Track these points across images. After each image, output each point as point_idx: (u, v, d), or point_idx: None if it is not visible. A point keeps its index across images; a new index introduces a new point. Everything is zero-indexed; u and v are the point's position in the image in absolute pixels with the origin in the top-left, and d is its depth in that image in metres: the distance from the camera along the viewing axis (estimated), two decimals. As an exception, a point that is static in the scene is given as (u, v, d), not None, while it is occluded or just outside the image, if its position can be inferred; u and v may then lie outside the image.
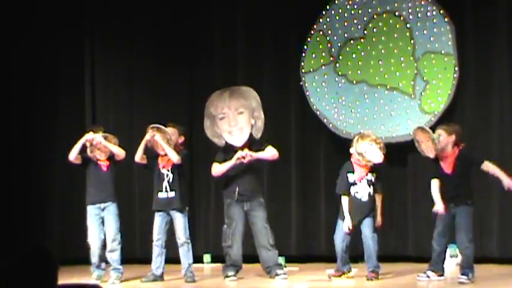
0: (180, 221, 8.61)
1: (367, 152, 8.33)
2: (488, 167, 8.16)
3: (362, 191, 8.37)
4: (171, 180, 8.62)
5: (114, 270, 8.67)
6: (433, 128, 8.57)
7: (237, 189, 8.60)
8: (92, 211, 8.72)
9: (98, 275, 8.69)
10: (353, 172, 8.39)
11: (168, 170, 8.65)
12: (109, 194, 8.72)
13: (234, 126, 8.76)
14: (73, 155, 8.65)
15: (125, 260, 10.14)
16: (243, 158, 8.55)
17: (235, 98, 8.85)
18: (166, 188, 8.61)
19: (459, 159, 8.11)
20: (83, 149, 8.69)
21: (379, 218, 8.38)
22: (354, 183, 8.38)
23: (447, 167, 8.12)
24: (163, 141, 8.56)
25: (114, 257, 8.66)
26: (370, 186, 8.36)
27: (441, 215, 8.10)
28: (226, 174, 8.70)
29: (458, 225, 8.01)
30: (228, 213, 8.70)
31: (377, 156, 8.34)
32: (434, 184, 8.17)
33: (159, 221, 8.65)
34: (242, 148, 8.66)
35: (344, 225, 8.34)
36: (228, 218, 8.69)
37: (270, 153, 8.70)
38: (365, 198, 8.37)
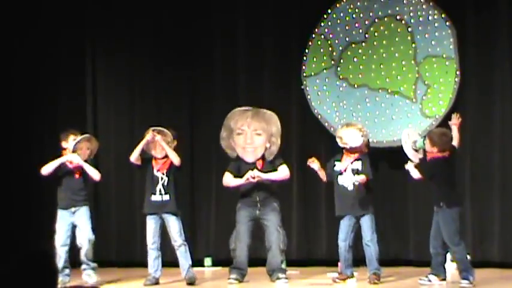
0: (175, 224, 8.61)
1: (345, 136, 8.40)
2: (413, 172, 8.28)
3: (347, 180, 8.40)
4: (165, 183, 8.62)
5: (91, 270, 8.69)
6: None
7: (250, 197, 8.61)
8: (62, 215, 8.72)
9: (62, 280, 8.51)
10: (340, 161, 8.42)
11: (163, 173, 8.64)
12: (80, 198, 8.73)
13: (249, 145, 8.76)
14: (46, 171, 8.70)
15: (125, 263, 10.22)
16: (253, 178, 8.55)
17: (257, 119, 8.83)
18: (160, 190, 8.61)
19: (429, 164, 8.15)
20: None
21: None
22: (340, 173, 8.39)
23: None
24: (165, 143, 8.57)
25: (89, 256, 8.67)
26: (354, 175, 8.36)
27: (434, 218, 8.13)
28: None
29: (442, 230, 8.02)
30: (237, 216, 8.71)
31: (355, 140, 8.35)
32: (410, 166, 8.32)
33: (153, 224, 8.65)
34: (256, 162, 8.66)
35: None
36: (236, 221, 8.69)
37: (281, 174, 8.71)
38: (350, 187, 8.38)
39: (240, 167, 8.73)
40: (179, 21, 10.56)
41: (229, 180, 8.74)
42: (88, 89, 10.69)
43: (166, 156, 8.68)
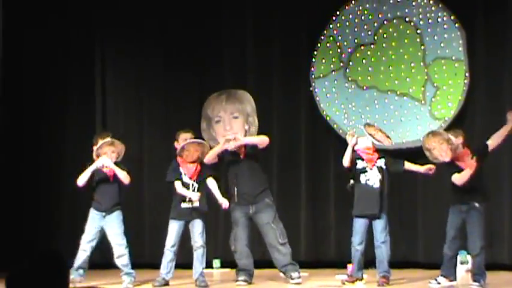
0: (199, 226, 8.62)
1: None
2: (493, 139, 8.06)
3: (373, 177, 8.37)
4: (196, 190, 8.62)
5: (126, 275, 8.63)
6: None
7: (236, 190, 8.59)
8: (92, 215, 8.68)
9: (79, 278, 8.52)
10: (362, 159, 8.39)
11: (194, 180, 8.64)
12: (114, 202, 8.67)
13: (229, 131, 8.80)
14: (82, 181, 8.63)
15: (134, 264, 10.20)
16: (231, 140, 8.55)
17: (231, 101, 8.92)
18: (189, 199, 8.60)
19: (477, 154, 8.01)
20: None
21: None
22: (365, 170, 8.36)
23: (466, 165, 8.02)
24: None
25: (123, 261, 8.63)
26: (380, 173, 8.34)
27: (452, 219, 8.04)
28: (220, 162, 8.73)
29: (470, 231, 7.94)
30: (231, 218, 8.74)
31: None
32: (457, 176, 7.95)
33: (176, 227, 8.63)
34: (237, 150, 8.67)
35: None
36: (232, 222, 8.72)
37: (258, 138, 8.72)
38: (376, 184, 8.36)
39: (224, 155, 8.71)
40: (188, 21, 10.57)
41: (210, 153, 8.66)
42: (97, 89, 10.70)
43: (194, 162, 8.66)
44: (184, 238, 8.73)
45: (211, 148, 8.75)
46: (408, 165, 8.51)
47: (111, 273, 9.07)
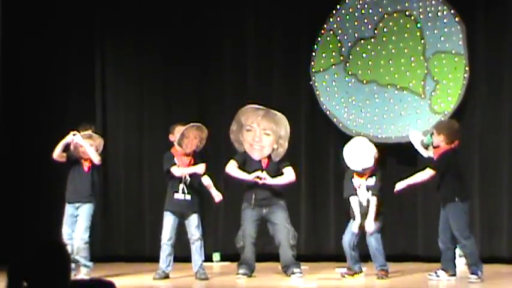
0: (195, 219, 8.66)
1: (355, 157, 8.38)
2: (421, 173, 8.22)
3: (362, 196, 8.43)
4: (188, 182, 8.65)
5: (85, 267, 8.66)
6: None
7: (254, 196, 8.63)
8: (68, 210, 8.74)
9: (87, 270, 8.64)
10: (353, 177, 8.49)
11: (193, 172, 8.66)
12: (86, 194, 8.73)
13: (257, 143, 8.80)
14: (56, 154, 8.70)
15: (134, 258, 10.24)
16: (260, 179, 8.58)
17: (267, 120, 8.87)
18: (183, 189, 8.62)
19: (440, 158, 8.12)
20: (68, 147, 8.74)
21: (368, 221, 8.34)
22: (355, 189, 8.46)
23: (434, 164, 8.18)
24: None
25: (82, 254, 8.63)
26: (368, 191, 8.40)
27: (441, 213, 8.12)
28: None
29: (451, 225, 8.02)
30: (242, 216, 8.75)
31: (367, 161, 8.33)
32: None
33: (171, 220, 8.66)
34: (261, 160, 8.70)
35: (354, 226, 8.38)
36: (242, 220, 8.74)
37: (287, 178, 8.75)
38: (364, 203, 8.42)
39: (245, 160, 8.77)
40: (188, 17, 10.58)
41: (233, 170, 8.77)
42: (97, 85, 10.71)
43: (189, 155, 8.69)
44: (182, 231, 8.75)
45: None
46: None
47: (114, 266, 9.08)
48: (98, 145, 8.80)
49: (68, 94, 10.76)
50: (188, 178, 8.67)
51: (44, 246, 3.18)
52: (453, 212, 8.01)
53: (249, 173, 8.72)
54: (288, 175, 8.75)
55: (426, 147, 8.43)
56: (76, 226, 8.68)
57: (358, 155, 8.42)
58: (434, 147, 8.27)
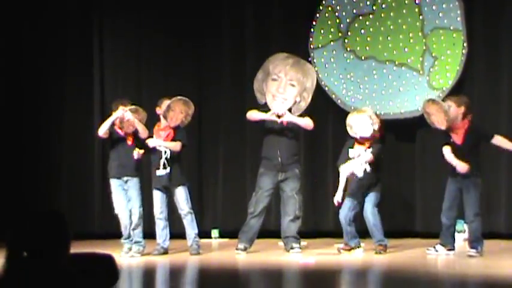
0: (182, 193, 8.65)
1: (355, 125, 8.38)
2: (498, 140, 8.17)
3: (358, 168, 8.42)
4: (168, 156, 8.64)
5: (135, 244, 8.70)
6: (443, 101, 8.58)
7: (279, 154, 8.58)
8: (115, 184, 8.73)
9: (128, 247, 8.68)
10: (353, 147, 8.48)
11: (166, 148, 8.66)
12: (132, 168, 8.72)
13: (281, 94, 8.76)
14: (103, 131, 8.64)
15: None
16: (278, 116, 8.55)
17: (296, 69, 8.84)
18: (164, 164, 8.62)
19: (470, 131, 8.12)
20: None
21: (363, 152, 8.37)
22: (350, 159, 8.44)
23: (457, 138, 8.14)
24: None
25: (138, 230, 8.69)
26: (366, 163, 8.38)
27: (449, 189, 8.12)
28: (262, 139, 8.73)
29: (465, 199, 8.05)
30: (258, 182, 8.73)
31: (365, 130, 8.35)
32: (447, 150, 8.13)
33: (159, 195, 8.70)
34: (278, 116, 8.67)
35: (335, 197, 8.39)
36: (257, 186, 8.73)
37: (305, 121, 8.72)
38: (360, 174, 8.40)
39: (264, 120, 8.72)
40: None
41: (254, 114, 8.73)
42: (95, 62, 10.68)
43: (167, 128, 8.67)
44: (175, 208, 8.77)
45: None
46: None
47: (114, 243, 9.10)
48: (142, 118, 8.77)
49: (65, 72, 10.72)
50: (168, 152, 8.64)
51: (43, 216, 3.18)
52: (472, 186, 8.02)
53: (269, 131, 8.66)
54: (306, 120, 8.71)
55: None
56: (130, 201, 8.68)
57: (358, 122, 8.39)
58: (449, 125, 8.16)
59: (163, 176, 8.63)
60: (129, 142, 8.74)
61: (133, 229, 8.69)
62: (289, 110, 8.72)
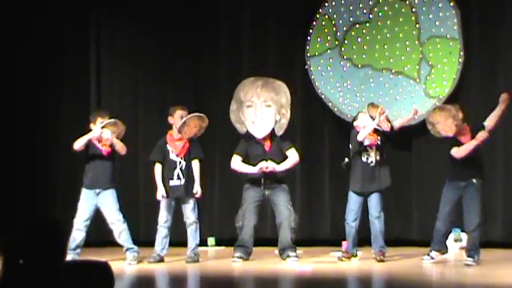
0: (191, 202, 8.68)
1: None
2: (490, 120, 8.11)
3: (372, 156, 8.41)
4: (183, 167, 8.63)
5: (128, 251, 8.67)
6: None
7: (262, 180, 8.62)
8: (85, 194, 8.67)
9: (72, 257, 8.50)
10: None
11: (182, 158, 8.66)
12: (106, 180, 8.66)
13: (259, 118, 8.77)
14: (78, 145, 8.60)
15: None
16: (266, 168, 8.57)
17: (267, 89, 8.86)
18: (178, 175, 8.62)
19: (475, 131, 8.07)
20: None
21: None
22: (365, 149, 8.40)
23: (469, 140, 8.07)
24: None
25: (122, 237, 8.66)
26: (377, 151, 8.39)
27: (447, 195, 8.08)
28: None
29: (468, 207, 7.99)
30: (244, 195, 8.76)
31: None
32: (459, 148, 8.01)
33: (167, 204, 8.67)
34: (263, 140, 8.67)
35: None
36: (243, 200, 8.75)
37: (292, 161, 8.76)
38: (373, 163, 8.41)
39: (247, 149, 8.74)
40: (185, 1, 10.54)
41: (238, 165, 8.76)
42: (92, 70, 10.68)
43: (182, 139, 8.68)
44: (178, 215, 8.76)
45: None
46: (397, 122, 8.65)
47: (108, 250, 9.09)
48: (120, 131, 8.77)
49: (62, 79, 10.73)
50: (183, 162, 8.65)
51: (39, 223, 3.17)
52: (474, 192, 7.96)
53: (254, 164, 8.66)
54: (292, 158, 8.74)
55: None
56: (105, 213, 8.62)
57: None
58: (458, 130, 8.13)
59: (177, 187, 8.62)
60: (105, 153, 8.69)
61: (119, 237, 8.64)
62: (271, 137, 8.73)
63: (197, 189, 8.68)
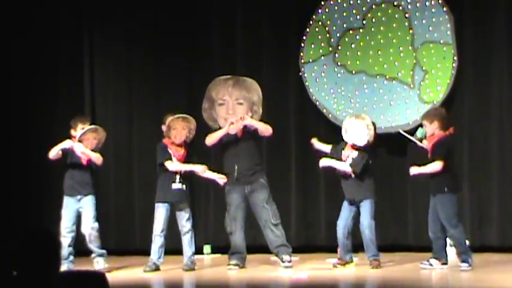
0: (187, 211, 8.67)
1: (351, 130, 8.36)
2: (431, 164, 8.10)
3: (348, 167, 8.43)
4: (183, 172, 8.65)
5: (100, 257, 8.69)
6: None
7: (236, 168, 8.62)
8: (67, 201, 8.71)
9: (67, 266, 8.50)
10: (344, 149, 8.52)
11: (183, 163, 8.66)
12: (86, 186, 8.71)
13: (231, 115, 8.79)
14: (52, 155, 8.63)
15: (124, 251, 10.21)
16: (236, 122, 8.58)
17: (238, 88, 8.88)
18: (179, 179, 8.62)
19: (434, 147, 8.12)
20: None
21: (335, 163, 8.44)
22: (343, 161, 8.46)
23: (428, 152, 8.18)
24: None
25: (96, 244, 8.66)
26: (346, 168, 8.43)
27: (430, 204, 8.14)
28: (222, 154, 8.77)
29: (439, 215, 8.05)
30: (227, 199, 8.75)
31: (360, 139, 8.35)
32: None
33: (164, 212, 8.64)
34: (236, 135, 8.70)
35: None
36: (227, 204, 8.73)
37: (263, 124, 8.75)
38: (352, 176, 8.41)
39: (222, 138, 8.75)
40: (178, 9, 10.54)
41: (212, 135, 8.76)
42: (86, 78, 10.67)
43: (180, 145, 8.67)
44: (173, 224, 8.74)
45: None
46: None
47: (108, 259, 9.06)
48: (101, 138, 8.79)
49: (57, 87, 10.71)
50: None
51: (32, 235, 3.16)
52: (442, 202, 8.02)
53: (227, 145, 8.71)
54: (264, 124, 8.74)
55: (421, 140, 8.40)
56: (82, 218, 8.67)
57: (354, 128, 8.37)
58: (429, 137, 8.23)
59: (177, 191, 8.62)
60: (84, 162, 8.71)
61: (90, 243, 8.65)
62: (244, 127, 8.73)
63: (219, 177, 8.66)
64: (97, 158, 8.70)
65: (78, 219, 8.71)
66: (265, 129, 8.76)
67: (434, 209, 8.12)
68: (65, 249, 8.50)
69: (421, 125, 8.42)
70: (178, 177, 8.63)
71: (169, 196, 8.65)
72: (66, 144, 8.62)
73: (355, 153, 8.42)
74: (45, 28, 10.63)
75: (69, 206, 8.69)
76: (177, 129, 8.62)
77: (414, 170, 8.23)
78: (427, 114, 8.38)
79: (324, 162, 8.50)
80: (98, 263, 8.70)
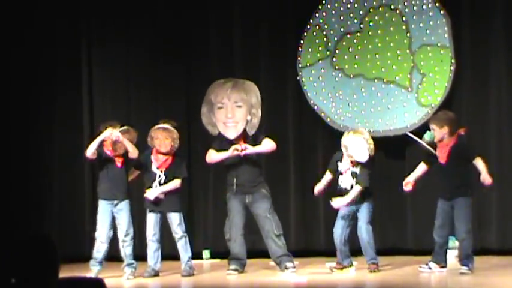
0: (176, 217, 8.65)
1: (351, 146, 8.36)
2: (478, 163, 8.10)
3: (346, 181, 8.44)
4: (162, 181, 8.62)
5: (127, 266, 8.65)
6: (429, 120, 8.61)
7: (235, 180, 8.62)
8: (103, 206, 8.68)
9: (98, 269, 8.63)
10: (341, 161, 8.48)
11: (162, 171, 8.64)
12: (122, 190, 8.68)
13: (230, 119, 8.79)
14: (90, 151, 8.59)
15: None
16: (240, 150, 8.56)
17: (237, 90, 8.87)
18: (156, 187, 8.60)
19: (454, 149, 8.10)
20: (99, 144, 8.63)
21: (341, 200, 8.37)
22: (340, 173, 8.43)
23: (441, 156, 8.14)
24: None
25: (127, 252, 8.65)
26: (353, 178, 8.39)
27: (441, 206, 8.11)
28: (223, 164, 8.77)
29: (456, 217, 8.03)
30: (228, 206, 8.74)
31: (361, 154, 8.36)
32: (420, 166, 8.32)
33: (153, 217, 8.67)
34: (237, 140, 8.68)
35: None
36: (228, 210, 8.73)
37: (267, 146, 8.74)
38: (348, 188, 8.40)
39: (221, 146, 8.75)
40: (175, 12, 10.54)
41: (214, 155, 8.76)
42: (84, 81, 10.67)
43: (168, 154, 8.66)
44: (169, 228, 8.74)
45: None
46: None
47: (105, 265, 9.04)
48: (133, 138, 8.75)
49: (54, 92, 10.70)
50: (163, 176, 8.64)
51: (31, 242, 3.15)
52: (463, 205, 8.00)
53: (230, 167, 8.72)
54: (267, 143, 8.73)
55: (429, 144, 8.37)
56: (120, 223, 8.64)
57: (354, 145, 8.36)
58: (438, 142, 8.20)
59: (156, 200, 8.58)
60: (119, 164, 8.70)
61: (125, 251, 8.63)
62: (244, 132, 8.73)
63: (155, 193, 8.59)
64: (133, 149, 8.60)
65: (112, 223, 8.68)
66: (270, 149, 8.78)
67: (447, 214, 8.07)
68: (99, 253, 8.56)
69: (429, 128, 8.37)
70: (154, 186, 8.62)
71: (152, 205, 8.64)
72: (106, 133, 8.52)
73: (356, 169, 8.40)
74: (42, 34, 10.62)
75: (104, 211, 8.65)
76: (160, 138, 8.64)
77: (338, 202, 8.35)
78: (437, 119, 8.32)
79: (336, 204, 8.40)
80: (125, 273, 8.63)
